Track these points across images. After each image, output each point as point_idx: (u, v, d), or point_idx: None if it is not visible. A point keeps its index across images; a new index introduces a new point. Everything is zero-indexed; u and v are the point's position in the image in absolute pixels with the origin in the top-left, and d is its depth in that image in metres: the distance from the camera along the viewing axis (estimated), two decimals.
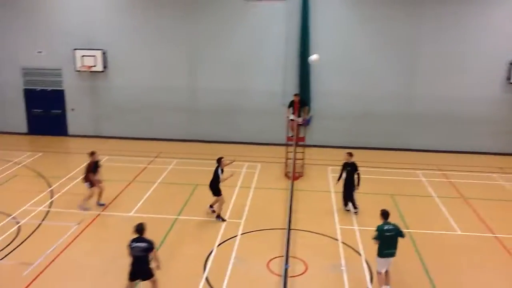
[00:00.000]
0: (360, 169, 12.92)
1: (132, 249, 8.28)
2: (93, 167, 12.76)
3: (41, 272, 9.72)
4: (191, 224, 12.22)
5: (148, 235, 8.47)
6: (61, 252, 10.55)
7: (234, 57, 19.29)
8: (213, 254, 10.61)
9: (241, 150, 18.60)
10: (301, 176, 16.00)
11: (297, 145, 15.70)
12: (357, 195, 13.02)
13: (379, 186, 15.08)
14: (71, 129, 20.98)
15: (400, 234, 9.06)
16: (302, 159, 16.26)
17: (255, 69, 19.35)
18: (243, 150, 18.76)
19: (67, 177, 15.32)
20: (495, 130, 18.94)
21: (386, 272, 9.20)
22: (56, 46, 19.84)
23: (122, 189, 14.46)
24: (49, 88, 20.51)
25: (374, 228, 9.11)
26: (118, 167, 16.35)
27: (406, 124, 19.35)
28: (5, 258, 10.28)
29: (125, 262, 8.49)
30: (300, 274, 9.87)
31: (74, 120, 20.85)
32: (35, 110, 20.87)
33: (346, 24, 18.65)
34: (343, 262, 10.38)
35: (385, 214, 9.18)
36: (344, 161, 12.99)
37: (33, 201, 13.36)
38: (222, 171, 12.30)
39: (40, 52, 20.05)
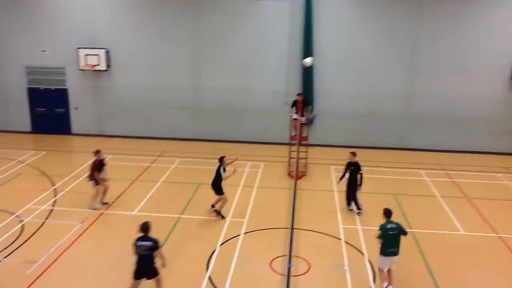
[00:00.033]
0: (363, 169, 12.90)
1: (137, 247, 8.30)
2: (98, 166, 12.79)
3: (44, 271, 9.75)
4: (194, 223, 12.24)
5: (151, 234, 8.48)
6: (64, 250, 10.59)
7: (237, 57, 19.29)
8: (216, 253, 10.62)
9: (244, 149, 18.60)
10: (304, 175, 15.99)
11: (300, 144, 15.68)
12: (360, 194, 12.98)
13: (382, 186, 15.06)
14: (75, 128, 21.04)
15: (403, 232, 9.07)
16: (305, 158, 16.26)
17: (258, 69, 19.35)
18: (246, 149, 18.77)
19: (71, 175, 15.37)
20: (499, 130, 18.90)
21: (389, 271, 9.19)
22: (59, 45, 19.90)
23: (126, 188, 14.49)
24: (53, 87, 20.58)
25: (377, 228, 9.11)
26: (121, 166, 16.38)
27: (409, 124, 19.33)
28: (9, 256, 10.32)
29: (129, 261, 8.51)
30: (303, 274, 9.87)
31: (78, 119, 20.90)
32: (38, 109, 20.94)
33: (349, 23, 18.62)
34: (346, 261, 10.37)
35: (388, 213, 9.18)
36: (348, 161, 12.98)
37: (36, 199, 13.40)
38: (224, 170, 12.31)
39: (43, 51, 20.11)
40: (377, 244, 9.13)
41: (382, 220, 9.16)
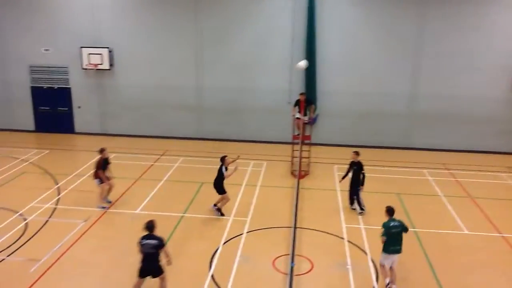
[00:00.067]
0: (366, 168, 12.89)
1: (142, 246, 8.32)
2: (102, 164, 12.81)
3: (48, 269, 9.78)
4: (197, 221, 12.25)
5: (156, 232, 8.50)
6: (68, 249, 10.61)
7: (240, 56, 19.27)
8: (218, 252, 10.63)
9: (247, 148, 18.60)
10: (307, 174, 15.98)
11: (303, 143, 15.68)
12: (363, 194, 12.95)
13: (385, 185, 15.03)
14: (78, 126, 21.08)
15: (405, 229, 9.09)
16: (308, 157, 16.25)
17: (261, 68, 19.33)
18: (249, 148, 18.76)
19: (74, 174, 15.41)
20: (502, 130, 18.83)
21: (391, 269, 9.19)
22: (62, 44, 19.93)
23: (129, 186, 14.51)
24: (56, 86, 20.62)
25: (380, 227, 9.11)
26: (124, 164, 16.40)
27: (412, 123, 19.28)
28: (13, 254, 10.35)
29: (132, 260, 8.53)
30: (305, 273, 9.86)
31: (81, 118, 20.94)
32: (42, 107, 20.98)
33: (352, 22, 18.56)
34: (348, 260, 10.37)
35: (390, 211, 9.19)
36: (351, 160, 12.97)
37: (40, 198, 13.44)
38: (226, 169, 12.32)
39: (47, 50, 20.15)
40: (379, 243, 9.12)
41: (385, 219, 9.16)
